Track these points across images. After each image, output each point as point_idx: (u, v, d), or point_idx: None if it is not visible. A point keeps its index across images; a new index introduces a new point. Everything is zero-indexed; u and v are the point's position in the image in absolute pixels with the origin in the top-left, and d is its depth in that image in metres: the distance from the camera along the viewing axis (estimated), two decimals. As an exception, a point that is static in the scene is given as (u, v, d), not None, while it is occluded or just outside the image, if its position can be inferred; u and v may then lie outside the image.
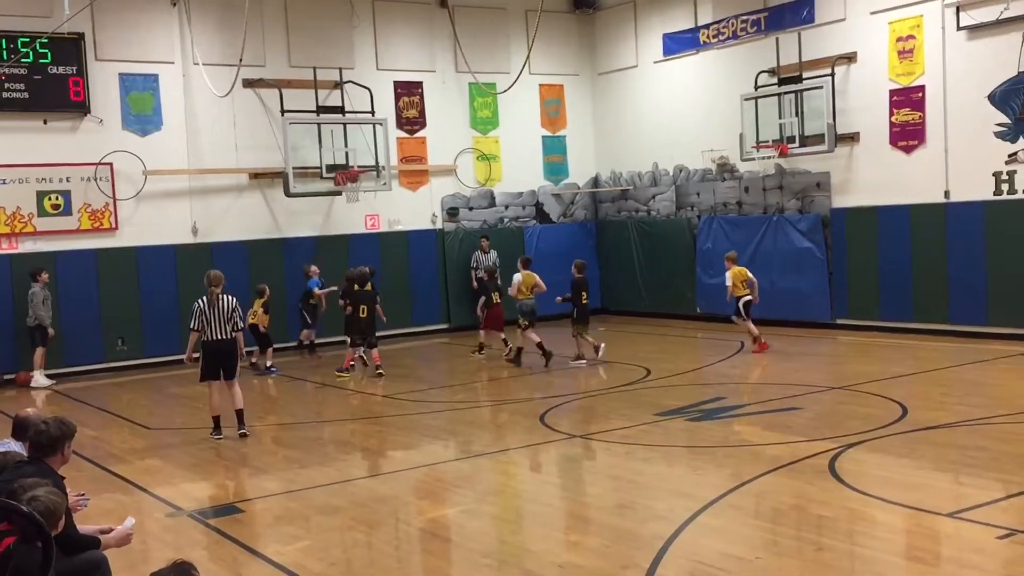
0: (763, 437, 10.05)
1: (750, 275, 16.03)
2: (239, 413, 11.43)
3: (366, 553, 7.45)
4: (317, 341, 18.47)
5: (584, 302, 15.86)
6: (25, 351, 16.45)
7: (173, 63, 18.08)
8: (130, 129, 17.75)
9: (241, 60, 16.67)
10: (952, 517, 7.22)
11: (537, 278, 15.95)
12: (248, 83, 18.45)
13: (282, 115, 18.18)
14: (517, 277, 16.00)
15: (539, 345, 15.44)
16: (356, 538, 7.77)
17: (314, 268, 18.17)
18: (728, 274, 15.99)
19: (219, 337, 11.34)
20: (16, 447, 6.45)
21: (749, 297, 15.88)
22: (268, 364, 16.53)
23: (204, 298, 11.42)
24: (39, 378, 16.18)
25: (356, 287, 15.61)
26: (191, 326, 11.47)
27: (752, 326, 15.77)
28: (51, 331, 16.23)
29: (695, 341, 18.10)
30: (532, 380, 14.95)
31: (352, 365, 15.67)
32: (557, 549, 7.27)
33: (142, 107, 17.85)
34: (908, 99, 16.54)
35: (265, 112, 18.82)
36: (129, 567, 6.71)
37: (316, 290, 17.91)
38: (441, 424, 12.25)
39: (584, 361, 15.50)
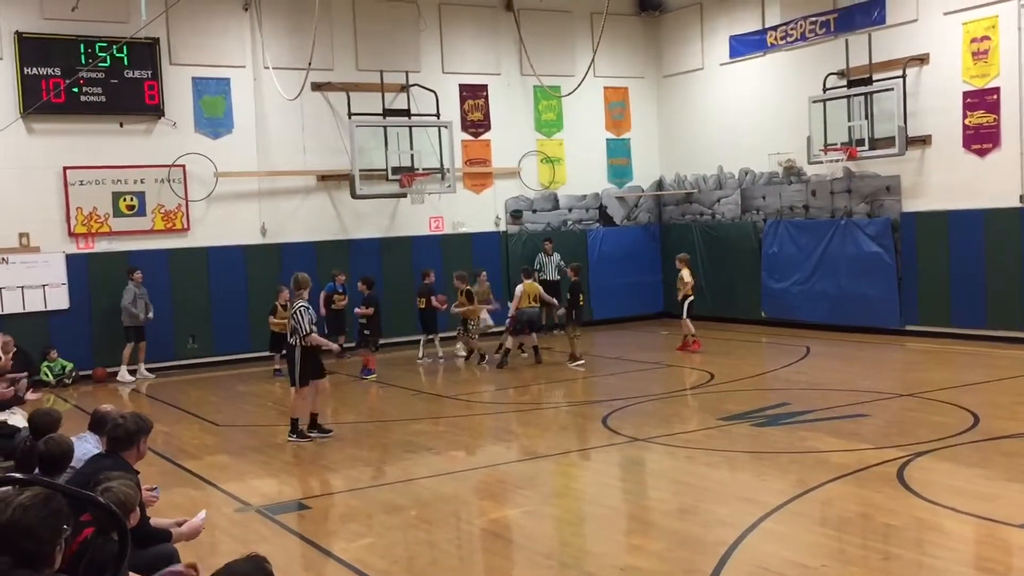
0: (829, 444, 9.91)
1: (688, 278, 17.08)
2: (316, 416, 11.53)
3: (428, 552, 7.52)
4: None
5: (581, 304, 16.82)
6: (106, 347, 16.93)
7: (244, 67, 18.44)
8: (202, 132, 18.14)
9: (310, 64, 16.92)
10: (1024, 529, 7.06)
11: (540, 289, 16.64)
12: (316, 86, 18.73)
13: (349, 118, 18.43)
14: (520, 288, 16.31)
15: (505, 350, 16.38)
16: (418, 537, 7.85)
17: (341, 276, 17.83)
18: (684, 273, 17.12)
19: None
20: (92, 441, 6.65)
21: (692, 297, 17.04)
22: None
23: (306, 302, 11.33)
24: (124, 373, 16.67)
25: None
26: (310, 330, 11.13)
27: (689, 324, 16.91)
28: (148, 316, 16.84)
29: (760, 346, 17.91)
30: (595, 383, 14.93)
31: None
32: (618, 552, 7.26)
33: (214, 110, 18.23)
34: (982, 101, 16.17)
35: (333, 115, 19.08)
36: (198, 560, 6.86)
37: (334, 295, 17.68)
38: (503, 425, 12.31)
39: (583, 362, 15.79)
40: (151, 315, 16.84)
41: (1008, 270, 15.95)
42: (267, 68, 18.14)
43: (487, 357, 16.68)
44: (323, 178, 19.06)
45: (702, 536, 7.40)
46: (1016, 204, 15.80)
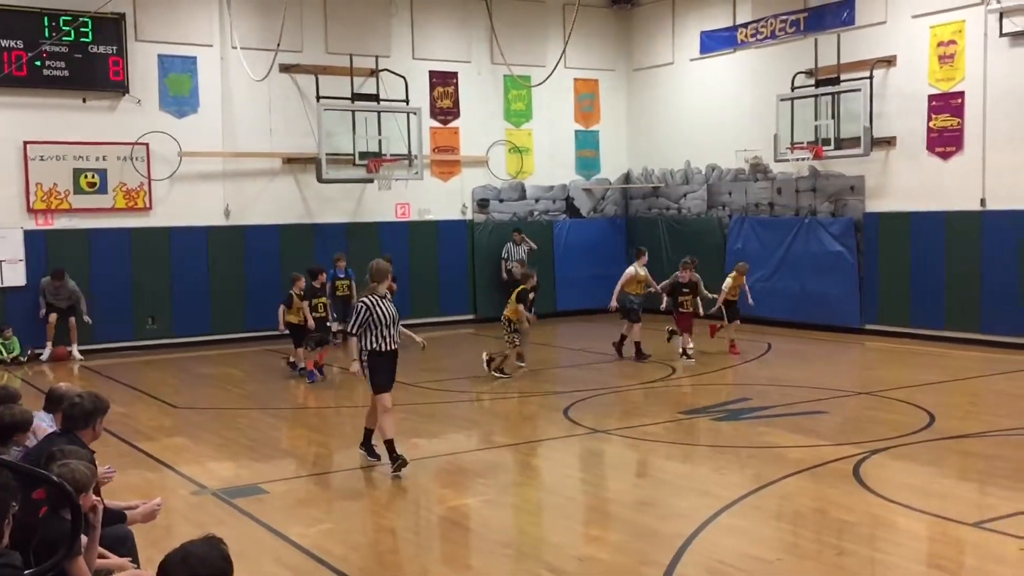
0: (787, 440, 10.00)
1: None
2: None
3: (387, 538, 7.50)
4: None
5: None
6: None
7: (211, 46, 18.21)
8: (167, 110, 17.90)
9: (279, 45, 16.79)
10: (976, 527, 7.16)
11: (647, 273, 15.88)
12: (284, 68, 18.55)
13: (317, 101, 18.28)
14: (630, 270, 15.88)
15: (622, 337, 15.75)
16: (378, 524, 7.82)
17: (342, 261, 17.01)
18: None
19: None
20: (47, 420, 6.54)
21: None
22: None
23: (369, 297, 9.16)
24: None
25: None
26: (353, 330, 9.19)
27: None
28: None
29: (722, 341, 18.02)
30: (557, 374, 14.96)
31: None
32: (577, 542, 7.28)
33: (180, 89, 18.00)
34: (947, 105, 16.37)
35: (300, 97, 18.91)
36: (153, 543, 6.78)
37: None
38: (465, 414, 12.30)
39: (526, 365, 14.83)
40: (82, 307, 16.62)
41: (967, 273, 16.17)
42: (235, 48, 17.95)
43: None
44: (289, 161, 18.91)
45: (659, 528, 7.44)
46: (977, 208, 16.03)
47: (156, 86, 17.80)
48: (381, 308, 9.00)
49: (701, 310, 15.53)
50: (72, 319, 16.51)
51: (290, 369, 15.00)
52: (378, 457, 9.28)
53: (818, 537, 7.18)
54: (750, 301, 16.42)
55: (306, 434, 11.00)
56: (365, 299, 9.08)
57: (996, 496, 8.02)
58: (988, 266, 15.90)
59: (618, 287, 15.80)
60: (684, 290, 15.38)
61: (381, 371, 9.11)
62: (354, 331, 9.06)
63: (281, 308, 14.69)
